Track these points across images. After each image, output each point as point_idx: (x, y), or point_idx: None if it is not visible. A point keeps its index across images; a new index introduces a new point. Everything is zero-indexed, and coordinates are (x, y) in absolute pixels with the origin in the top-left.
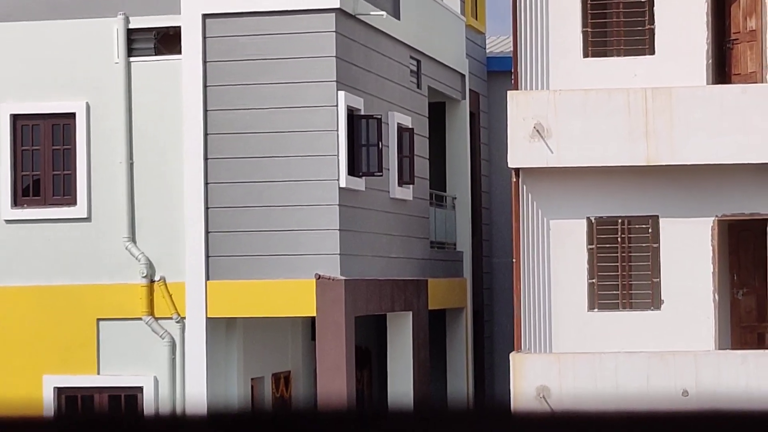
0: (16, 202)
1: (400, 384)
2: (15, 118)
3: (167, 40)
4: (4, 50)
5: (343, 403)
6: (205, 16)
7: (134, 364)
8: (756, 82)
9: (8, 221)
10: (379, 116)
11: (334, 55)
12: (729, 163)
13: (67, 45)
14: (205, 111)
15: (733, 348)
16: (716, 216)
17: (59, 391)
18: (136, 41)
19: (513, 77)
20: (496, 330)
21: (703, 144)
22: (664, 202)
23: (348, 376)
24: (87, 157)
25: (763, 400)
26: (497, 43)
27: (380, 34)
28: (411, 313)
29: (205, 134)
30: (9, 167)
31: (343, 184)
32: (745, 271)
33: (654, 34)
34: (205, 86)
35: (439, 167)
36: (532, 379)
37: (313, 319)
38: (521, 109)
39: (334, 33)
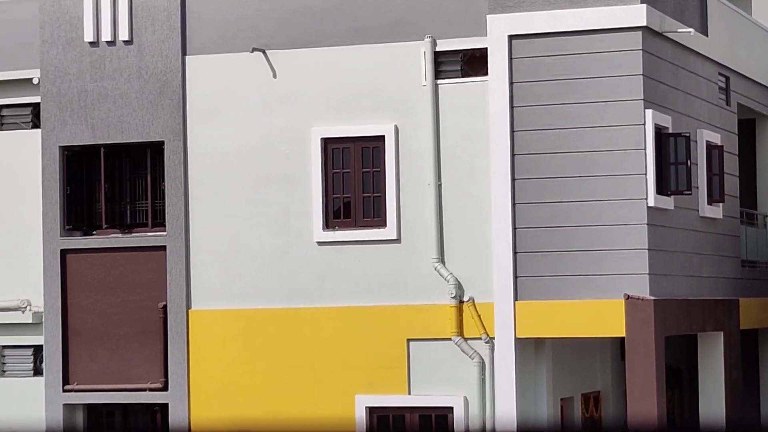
0: (327, 225)
1: (712, 405)
2: (326, 142)
3: (474, 62)
4: (314, 75)
5: (654, 424)
6: (511, 38)
7: (444, 384)
8: None
9: (320, 243)
10: (688, 134)
11: (641, 73)
12: None
13: (375, 69)
14: (512, 132)
15: None
16: None
17: (371, 411)
18: (443, 63)
19: None
20: None
21: None
22: None
23: (658, 396)
24: (396, 179)
25: None
26: None
27: (687, 51)
28: (722, 333)
29: (512, 155)
30: (320, 190)
31: (651, 203)
32: None
33: None
34: (511, 107)
35: (749, 185)
36: None
37: (622, 339)
38: None
39: (641, 51)
